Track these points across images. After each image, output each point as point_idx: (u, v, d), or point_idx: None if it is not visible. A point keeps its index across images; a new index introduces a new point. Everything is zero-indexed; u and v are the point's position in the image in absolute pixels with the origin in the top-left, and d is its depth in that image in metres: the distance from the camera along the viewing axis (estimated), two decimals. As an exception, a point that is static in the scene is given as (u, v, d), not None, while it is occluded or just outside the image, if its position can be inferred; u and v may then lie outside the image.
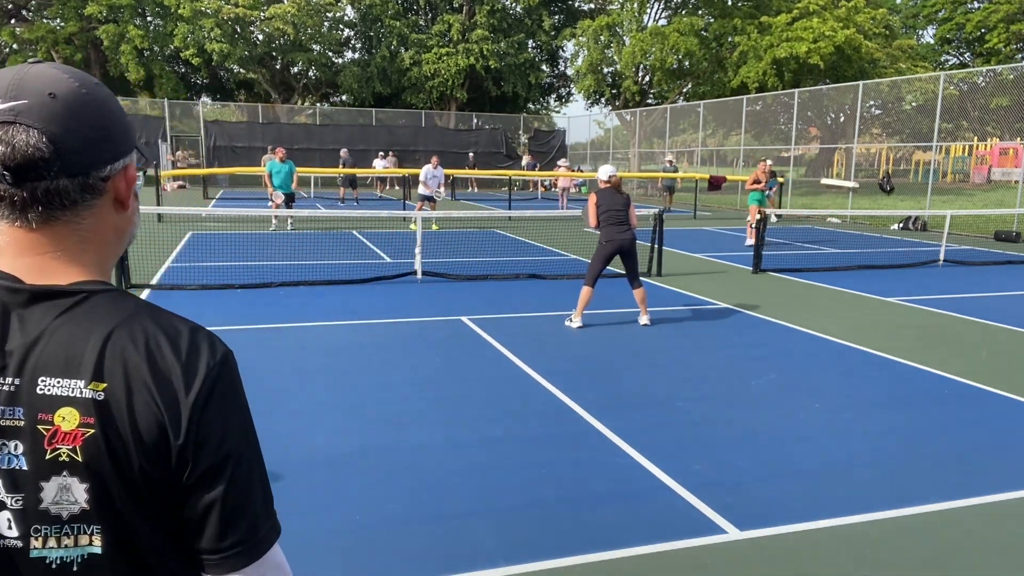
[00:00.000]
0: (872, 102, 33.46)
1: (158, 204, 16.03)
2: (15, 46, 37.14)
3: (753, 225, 11.10)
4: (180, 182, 29.27)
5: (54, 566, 0.88)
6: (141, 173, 30.49)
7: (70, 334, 0.87)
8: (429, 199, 15.71)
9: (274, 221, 15.95)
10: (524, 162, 32.43)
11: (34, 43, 36.04)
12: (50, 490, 0.86)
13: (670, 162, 24.97)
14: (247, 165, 28.74)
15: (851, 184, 19.18)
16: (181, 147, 32.92)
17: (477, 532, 3.36)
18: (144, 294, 8.54)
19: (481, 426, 4.65)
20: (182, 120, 36.66)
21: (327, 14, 37.67)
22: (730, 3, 33.27)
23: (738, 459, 4.22)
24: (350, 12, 39.03)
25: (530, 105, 43.40)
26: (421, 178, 15.99)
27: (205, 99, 42.30)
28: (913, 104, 31.66)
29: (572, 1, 41.71)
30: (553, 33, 39.26)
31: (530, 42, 40.22)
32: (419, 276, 9.90)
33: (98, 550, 0.88)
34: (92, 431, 0.85)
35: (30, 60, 0.92)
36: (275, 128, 32.62)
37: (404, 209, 20.26)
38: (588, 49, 35.57)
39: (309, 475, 3.90)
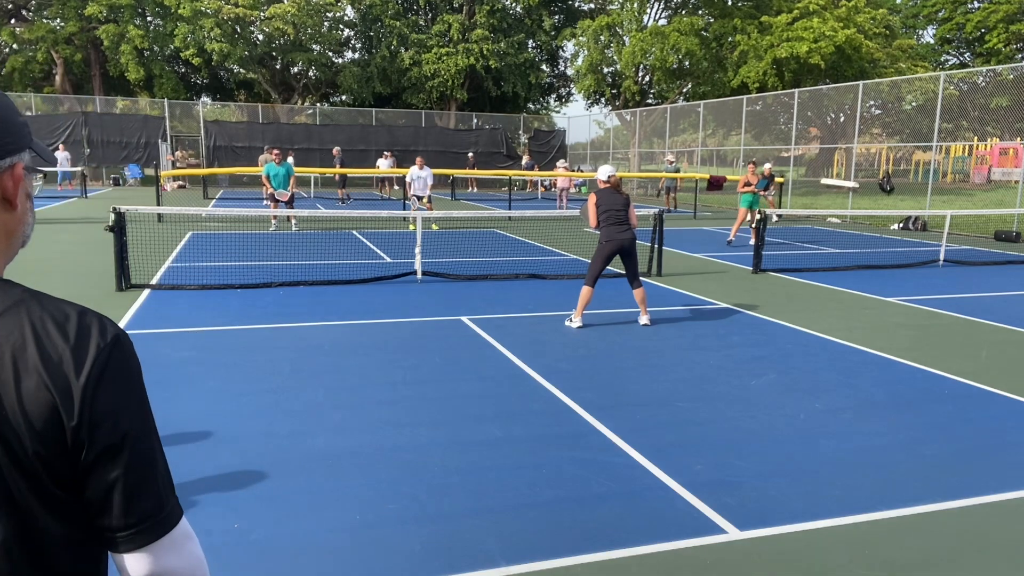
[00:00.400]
0: (872, 102, 33.47)
1: (158, 204, 16.03)
2: (15, 46, 37.14)
3: (753, 226, 11.09)
4: (180, 182, 29.27)
5: None
6: (141, 172, 30.48)
7: None
8: (421, 198, 15.77)
9: (273, 222, 15.92)
10: (523, 162, 32.44)
11: (34, 43, 36.05)
12: None
13: (670, 162, 24.72)
14: (247, 165, 28.74)
15: (851, 184, 19.19)
16: (180, 147, 32.93)
17: (477, 532, 3.36)
18: (144, 294, 8.54)
19: (481, 426, 4.65)
20: (182, 120, 36.67)
21: (327, 14, 37.66)
22: (730, 3, 33.27)
23: (738, 459, 4.22)
24: (350, 12, 39.03)
25: (530, 105, 43.40)
26: (407, 179, 16.06)
27: (205, 99, 42.30)
28: (913, 104, 31.66)
29: (572, 1, 41.70)
30: (553, 33, 39.26)
31: (530, 42, 40.22)
32: (419, 276, 9.90)
33: None
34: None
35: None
36: (275, 128, 32.62)
37: (404, 209, 20.27)
38: (588, 49, 35.57)
39: (309, 475, 3.90)
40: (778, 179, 20.44)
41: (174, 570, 0.94)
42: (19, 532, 0.87)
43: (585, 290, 7.38)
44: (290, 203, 15.11)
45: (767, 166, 17.02)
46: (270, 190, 15.01)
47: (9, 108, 0.94)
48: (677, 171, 23.96)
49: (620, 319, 7.84)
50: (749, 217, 14.40)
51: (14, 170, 0.94)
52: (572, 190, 34.98)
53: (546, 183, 30.82)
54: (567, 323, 7.49)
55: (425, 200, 15.72)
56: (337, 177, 23.77)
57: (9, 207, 0.95)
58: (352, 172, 24.35)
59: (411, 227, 16.41)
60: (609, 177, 7.55)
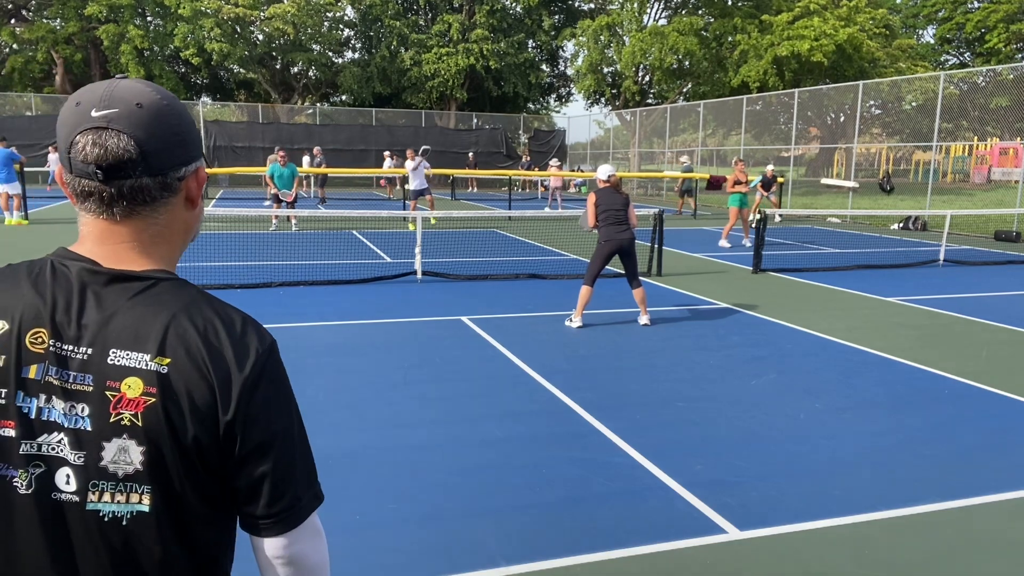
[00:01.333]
0: (872, 102, 33.47)
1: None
2: (15, 46, 37.15)
3: (753, 226, 11.10)
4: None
5: (106, 519, 0.97)
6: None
7: (140, 314, 0.98)
8: (422, 193, 15.76)
9: (274, 221, 15.91)
10: (522, 162, 32.45)
11: (34, 43, 36.05)
12: (110, 450, 0.96)
13: (682, 162, 24.08)
14: (247, 165, 28.75)
15: (851, 184, 19.19)
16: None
17: (477, 532, 3.36)
18: (144, 294, 8.53)
19: (481, 426, 4.65)
20: (182, 120, 36.64)
21: (327, 14, 37.66)
22: (730, 3, 33.27)
23: (738, 459, 4.22)
24: (350, 12, 39.03)
25: (530, 105, 43.41)
26: (409, 173, 16.08)
27: (205, 99, 42.29)
28: (913, 104, 31.67)
29: (572, 1, 41.70)
30: (553, 33, 39.26)
31: (530, 42, 40.22)
32: (419, 276, 9.90)
33: (146, 508, 0.97)
34: (153, 400, 0.96)
35: (117, 76, 1.04)
36: (275, 128, 32.62)
37: (404, 209, 20.27)
38: (588, 49, 35.57)
39: (309, 475, 3.90)
40: (779, 179, 20.45)
41: (303, 555, 1.07)
42: (168, 505, 0.98)
43: (584, 290, 7.38)
44: (293, 203, 15.11)
45: (769, 167, 16.96)
46: (274, 190, 14.97)
47: (188, 114, 1.07)
48: (690, 171, 23.24)
49: (620, 319, 7.84)
50: (741, 216, 14.33)
51: (198, 173, 1.08)
52: (572, 190, 35.05)
53: (546, 183, 30.80)
54: (567, 323, 7.49)
55: (428, 197, 15.74)
56: (316, 177, 23.63)
57: (191, 206, 1.09)
58: (347, 172, 24.32)
59: (411, 227, 16.41)
60: (609, 177, 7.53)
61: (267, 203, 15.67)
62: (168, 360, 0.96)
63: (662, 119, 32.57)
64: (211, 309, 1.02)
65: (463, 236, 15.04)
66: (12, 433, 0.96)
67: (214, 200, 23.94)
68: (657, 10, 36.23)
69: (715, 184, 21.49)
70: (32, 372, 0.96)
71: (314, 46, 38.35)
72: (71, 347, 0.96)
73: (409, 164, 15.93)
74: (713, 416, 4.92)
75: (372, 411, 4.88)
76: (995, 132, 33.32)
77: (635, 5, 34.34)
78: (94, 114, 0.97)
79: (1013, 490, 3.90)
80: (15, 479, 0.96)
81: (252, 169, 24.85)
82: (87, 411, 0.96)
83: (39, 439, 0.96)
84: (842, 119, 35.60)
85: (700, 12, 33.97)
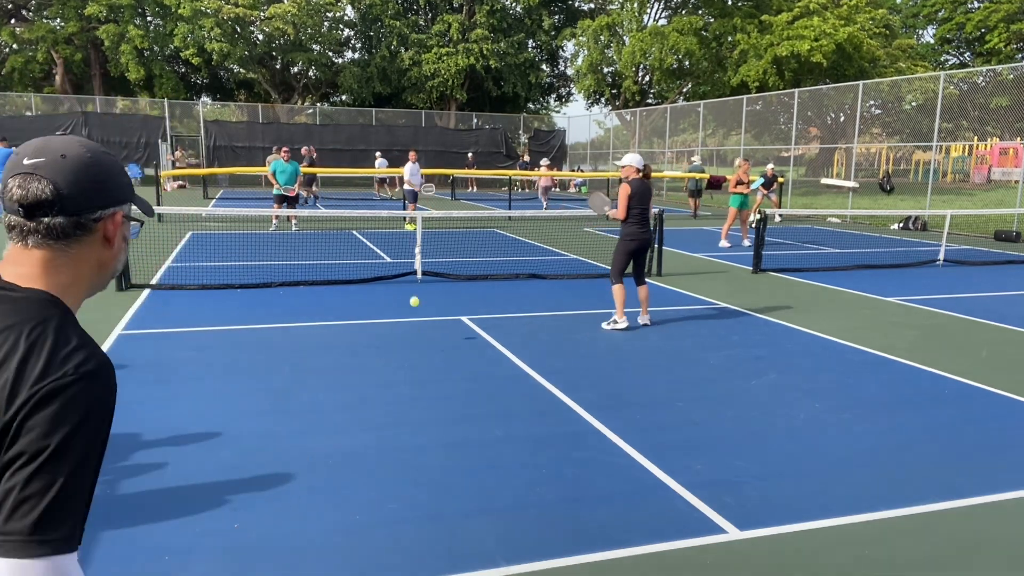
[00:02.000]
0: (872, 102, 33.46)
1: (158, 204, 16.03)
2: (15, 46, 37.15)
3: (753, 226, 11.10)
4: (180, 182, 29.27)
5: None
6: (141, 172, 30.55)
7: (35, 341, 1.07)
8: (415, 198, 15.74)
9: (275, 221, 15.89)
10: (519, 162, 32.46)
11: (34, 43, 36.06)
12: None
13: (692, 161, 23.05)
14: (247, 165, 28.74)
15: (851, 184, 19.19)
16: (180, 147, 32.93)
17: (477, 532, 3.36)
18: (144, 294, 8.54)
19: (481, 426, 4.65)
20: (182, 120, 36.68)
21: (327, 14, 37.66)
22: (730, 2, 33.27)
23: (738, 459, 4.22)
24: (350, 12, 39.04)
25: (530, 105, 43.40)
26: (405, 176, 16.09)
27: (205, 99, 42.30)
28: (913, 104, 31.66)
29: (572, 1, 41.70)
30: (553, 33, 39.26)
31: (530, 42, 40.22)
32: (419, 276, 9.90)
33: None
34: None
35: (57, 133, 1.21)
36: (275, 128, 32.61)
37: (404, 209, 20.26)
38: (588, 49, 35.57)
39: (309, 475, 3.90)
40: (779, 179, 20.44)
41: None
42: None
43: (617, 289, 7.20)
44: (293, 203, 15.08)
45: (769, 167, 16.92)
46: (276, 185, 14.93)
47: (115, 167, 1.22)
48: (701, 171, 22.11)
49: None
50: (740, 217, 14.31)
51: (115, 217, 1.22)
52: (572, 190, 35.01)
53: (555, 184, 30.79)
54: (606, 326, 7.29)
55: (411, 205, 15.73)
56: (303, 176, 23.33)
57: (108, 244, 1.22)
58: (339, 172, 24.27)
59: (408, 227, 16.40)
60: (645, 165, 7.11)
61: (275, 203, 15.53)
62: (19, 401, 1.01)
63: (662, 119, 32.57)
64: (55, 329, 1.09)
65: (463, 236, 15.04)
66: None
67: (214, 200, 23.94)
68: (657, 10, 36.23)
69: (715, 184, 21.48)
70: None
71: (314, 46, 38.35)
72: None
73: (409, 167, 15.93)
74: (713, 416, 4.92)
75: (372, 411, 4.88)
76: (995, 132, 33.31)
77: (635, 5, 34.35)
78: (25, 162, 1.14)
79: (1013, 490, 3.90)
80: None
81: (252, 169, 24.85)
82: None
83: None
84: (842, 119, 35.59)
85: (700, 12, 33.96)
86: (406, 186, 16.10)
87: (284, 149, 15.62)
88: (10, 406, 1.00)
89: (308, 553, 3.16)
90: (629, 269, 7.46)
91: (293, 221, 15.84)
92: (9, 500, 0.97)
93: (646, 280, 7.61)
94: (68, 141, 1.18)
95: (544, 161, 26.22)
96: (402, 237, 14.67)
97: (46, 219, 1.13)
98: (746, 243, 14.18)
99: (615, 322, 7.31)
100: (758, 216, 11.10)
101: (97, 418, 1.06)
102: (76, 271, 1.19)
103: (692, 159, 23.84)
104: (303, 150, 23.87)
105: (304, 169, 22.16)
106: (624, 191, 7.10)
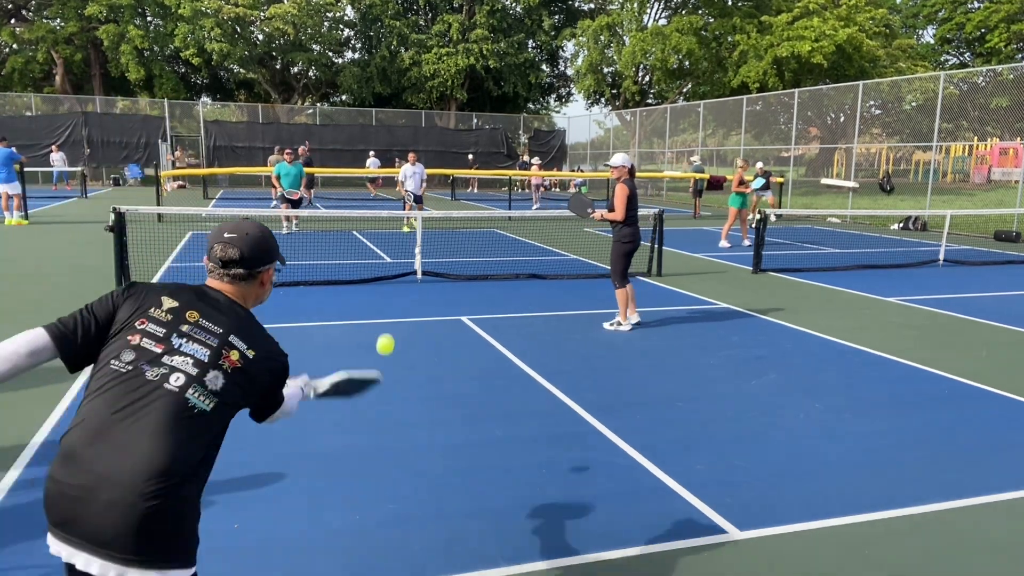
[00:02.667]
0: (872, 102, 33.45)
1: (158, 204, 16.04)
2: (15, 46, 37.15)
3: (753, 225, 11.10)
4: (180, 182, 29.27)
5: (188, 404, 1.76)
6: (141, 172, 30.53)
7: (248, 324, 2.00)
8: (417, 200, 15.51)
9: (285, 223, 15.63)
10: (518, 163, 32.48)
11: (34, 43, 36.06)
12: (211, 375, 1.83)
13: (691, 162, 22.96)
14: (247, 165, 28.75)
15: (851, 184, 19.19)
16: (180, 147, 32.94)
17: (477, 532, 3.36)
18: (144, 294, 8.53)
19: (481, 426, 4.65)
20: (182, 120, 36.69)
21: (327, 14, 37.67)
22: (730, 3, 33.26)
23: (738, 459, 4.22)
24: (350, 12, 39.04)
25: (530, 105, 43.40)
26: (399, 177, 15.94)
27: (205, 99, 42.30)
28: (913, 104, 31.65)
29: (572, 1, 41.70)
30: (553, 33, 39.25)
31: (530, 42, 40.22)
32: (419, 276, 9.90)
33: (208, 409, 1.80)
34: (240, 365, 1.89)
35: (243, 219, 2.09)
36: (275, 128, 32.61)
37: (404, 209, 20.24)
38: (588, 49, 35.57)
39: (309, 475, 3.90)
40: (778, 179, 20.44)
41: (276, 417, 2.20)
42: (217, 412, 1.83)
43: (620, 292, 7.20)
44: (297, 204, 14.90)
45: (759, 165, 16.89)
46: (280, 190, 14.69)
47: (272, 240, 2.10)
48: (702, 171, 22.03)
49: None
50: (740, 217, 14.30)
51: (269, 271, 2.12)
52: (572, 189, 34.96)
53: (546, 183, 30.84)
54: (608, 327, 7.27)
55: (413, 201, 15.44)
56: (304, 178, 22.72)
57: (262, 286, 2.11)
58: (333, 172, 24.22)
59: (405, 228, 16.36)
60: (633, 165, 7.10)
61: (274, 204, 15.27)
62: (254, 352, 1.94)
63: (662, 119, 32.57)
64: (260, 325, 2.07)
65: (463, 236, 15.04)
66: (159, 351, 1.81)
67: (214, 200, 23.94)
68: (657, 10, 36.23)
69: (716, 184, 21.48)
70: (184, 327, 1.87)
71: (314, 46, 38.35)
72: (210, 324, 1.90)
73: (408, 168, 15.77)
74: (713, 416, 4.92)
75: (372, 411, 4.88)
76: (995, 132, 33.31)
77: (635, 5, 34.34)
78: (225, 236, 2.01)
79: (1013, 490, 3.90)
80: (148, 371, 1.77)
81: (252, 169, 24.84)
82: (208, 353, 1.85)
83: (173, 358, 1.80)
84: (842, 119, 35.59)
85: (700, 12, 33.96)
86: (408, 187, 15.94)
87: (287, 151, 15.33)
88: (257, 350, 1.95)
89: (308, 553, 3.16)
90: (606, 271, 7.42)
91: (294, 222, 15.76)
92: (266, 410, 2.13)
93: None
94: (250, 225, 2.04)
95: (535, 160, 26.50)
96: (402, 237, 14.67)
97: (233, 270, 2.01)
98: (746, 243, 14.18)
99: (619, 323, 7.29)
100: (758, 216, 11.10)
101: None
102: (247, 298, 2.08)
103: (692, 159, 23.80)
104: (300, 149, 23.49)
105: (314, 170, 21.79)
106: (623, 192, 7.04)
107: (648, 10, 35.44)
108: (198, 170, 25.50)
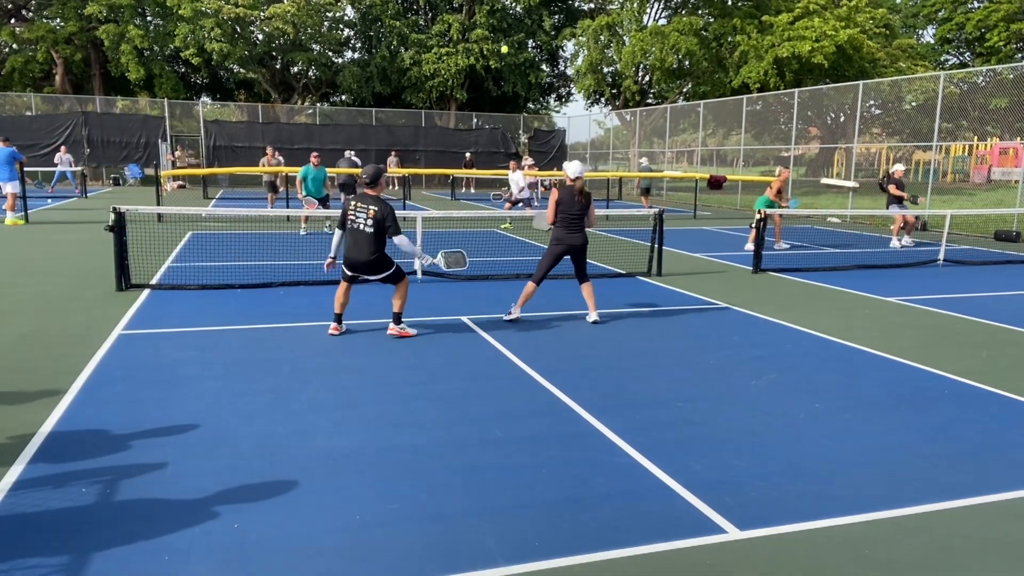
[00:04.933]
0: (872, 102, 33.46)
1: (158, 204, 16.04)
2: (15, 46, 37.14)
3: (753, 225, 11.08)
4: (180, 182, 29.27)
5: (365, 232, 6.52)
6: (141, 172, 30.55)
7: (374, 201, 6.61)
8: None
9: (303, 224, 15.47)
10: (525, 162, 32.50)
11: (34, 43, 36.06)
12: (366, 224, 6.52)
13: (640, 163, 25.67)
14: (247, 165, 28.74)
15: (851, 184, 19.18)
16: (180, 147, 32.93)
17: (477, 532, 3.36)
18: (144, 294, 8.55)
19: (481, 426, 4.66)
20: (182, 120, 36.67)
21: (327, 14, 37.66)
22: (730, 3, 33.26)
23: (738, 459, 4.22)
24: (350, 12, 39.03)
25: (530, 105, 43.40)
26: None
27: (205, 99, 42.29)
28: (913, 104, 31.65)
29: (572, 1, 41.69)
30: (553, 33, 39.24)
31: (530, 42, 40.21)
32: (419, 276, 9.90)
33: (370, 230, 6.50)
34: (373, 218, 6.50)
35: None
36: (275, 128, 32.61)
37: (404, 209, 20.23)
38: (588, 49, 35.55)
39: (309, 475, 3.90)
40: (771, 178, 20.42)
41: (402, 241, 6.59)
42: (376, 232, 6.51)
43: (530, 286, 7.56)
44: (325, 203, 14.51)
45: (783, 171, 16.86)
46: (302, 194, 14.27)
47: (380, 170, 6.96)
48: (649, 171, 24.59)
49: (619, 319, 7.84)
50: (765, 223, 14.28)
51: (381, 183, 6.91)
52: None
53: (546, 183, 30.82)
54: (504, 317, 7.64)
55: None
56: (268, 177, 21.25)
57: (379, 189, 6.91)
58: (329, 172, 24.06)
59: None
60: (576, 177, 7.32)
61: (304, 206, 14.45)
62: (376, 209, 6.48)
63: (662, 119, 32.57)
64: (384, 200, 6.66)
65: (463, 236, 15.04)
66: (352, 216, 6.56)
67: (214, 200, 23.95)
68: (657, 10, 36.23)
69: (715, 184, 21.49)
70: (353, 210, 6.59)
71: (314, 46, 38.34)
72: (364, 205, 6.53)
73: (393, 161, 15.68)
74: (713, 416, 4.92)
75: (372, 411, 4.88)
76: (995, 132, 33.31)
77: (635, 5, 34.32)
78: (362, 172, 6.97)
79: (1013, 490, 3.90)
80: (355, 223, 6.53)
81: (252, 169, 24.75)
82: (365, 217, 6.48)
83: (357, 220, 6.53)
84: (842, 119, 35.59)
85: (700, 12, 33.95)
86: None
87: (315, 154, 14.76)
88: (384, 219, 6.47)
89: (308, 553, 3.16)
90: (574, 270, 7.76)
91: (302, 224, 15.49)
92: (391, 231, 6.50)
93: (589, 278, 7.84)
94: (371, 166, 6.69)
95: (528, 160, 27.08)
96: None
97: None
98: (778, 246, 14.07)
99: (510, 313, 7.65)
100: (758, 216, 11.09)
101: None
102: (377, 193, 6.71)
103: (641, 161, 26.95)
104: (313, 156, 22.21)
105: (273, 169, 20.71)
106: (552, 197, 7.41)
107: (648, 10, 35.43)
108: (198, 170, 25.49)
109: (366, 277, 6.73)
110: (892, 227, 15.07)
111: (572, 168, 7.40)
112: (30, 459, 4.02)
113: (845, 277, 10.83)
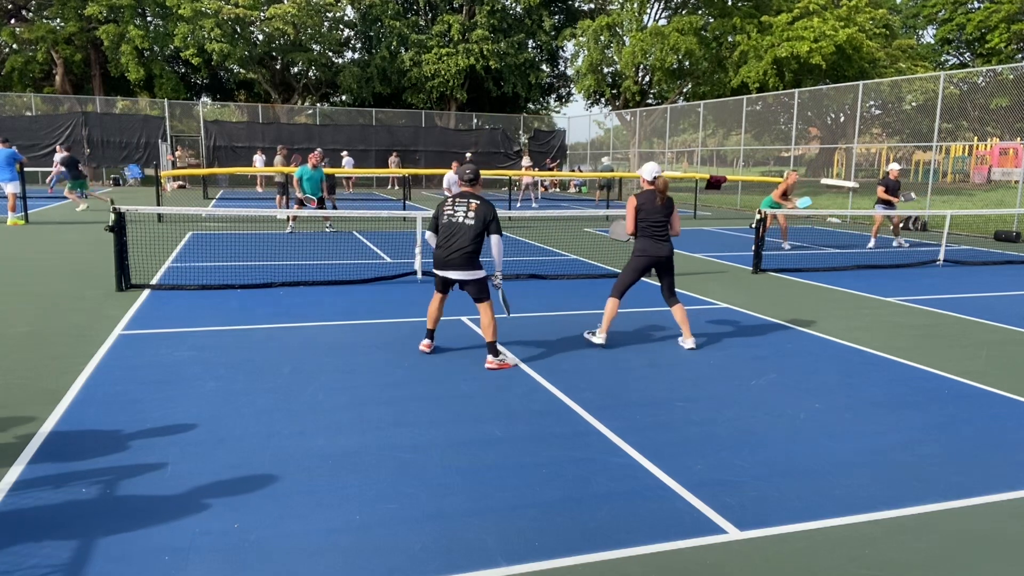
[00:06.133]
0: (872, 102, 33.46)
1: (158, 204, 16.04)
2: (15, 46, 37.15)
3: (752, 225, 11.07)
4: (180, 182, 29.27)
5: (467, 226, 5.98)
6: (141, 172, 30.55)
7: (476, 202, 6.06)
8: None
9: (290, 223, 15.50)
10: (523, 163, 32.51)
11: (34, 43, 36.07)
12: (468, 217, 6.00)
13: (602, 162, 30.24)
14: (247, 165, 28.75)
15: (851, 184, 19.18)
16: (180, 147, 32.92)
17: (477, 532, 3.36)
18: (144, 294, 8.55)
19: (481, 426, 4.66)
20: (182, 120, 36.68)
21: (327, 14, 37.67)
22: (730, 3, 33.26)
23: (738, 459, 4.22)
24: (350, 12, 39.04)
25: (530, 105, 43.39)
26: (444, 184, 16.00)
27: (205, 99, 42.31)
28: (913, 104, 31.65)
29: (572, 1, 41.70)
30: (553, 33, 39.25)
31: (530, 42, 40.22)
32: (419, 276, 9.90)
33: (471, 223, 5.97)
34: (476, 211, 5.99)
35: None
36: (275, 128, 32.61)
37: (404, 209, 20.26)
38: (588, 49, 35.56)
39: (309, 475, 3.90)
40: (778, 179, 20.44)
41: (498, 241, 5.99)
42: (476, 228, 5.97)
43: (611, 302, 6.60)
44: (321, 204, 14.51)
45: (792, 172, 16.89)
46: (300, 194, 14.26)
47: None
48: (610, 170, 27.32)
49: (619, 319, 7.83)
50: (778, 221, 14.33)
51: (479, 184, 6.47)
52: (572, 190, 34.98)
53: (545, 183, 30.91)
54: (587, 336, 6.82)
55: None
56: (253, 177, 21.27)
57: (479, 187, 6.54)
58: (352, 173, 24.16)
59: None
60: (655, 178, 6.50)
61: (295, 205, 14.42)
62: (477, 204, 6.00)
63: (662, 119, 32.57)
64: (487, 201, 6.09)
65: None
66: (450, 212, 6.03)
67: (214, 200, 23.94)
68: (657, 10, 36.23)
69: (715, 184, 21.48)
70: (451, 206, 6.08)
71: (314, 46, 38.35)
72: (464, 200, 6.05)
73: (451, 175, 15.81)
74: (713, 416, 4.92)
75: (372, 411, 4.88)
76: (995, 132, 33.31)
77: (635, 5, 34.33)
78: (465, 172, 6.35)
79: (1013, 490, 3.90)
80: (453, 217, 5.99)
81: (252, 169, 24.82)
82: (466, 210, 5.99)
83: (457, 214, 5.99)
84: (842, 119, 35.60)
85: (700, 12, 33.95)
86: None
87: (314, 154, 14.74)
88: (488, 219, 5.97)
89: (308, 553, 3.16)
90: (660, 285, 6.77)
91: (291, 222, 15.55)
92: (491, 230, 6.00)
93: (679, 298, 6.83)
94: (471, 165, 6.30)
95: (525, 161, 27.71)
96: (402, 237, 14.66)
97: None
98: (785, 246, 14.12)
99: (593, 335, 6.77)
100: (759, 216, 11.09)
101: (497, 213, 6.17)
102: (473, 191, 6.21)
103: (603, 160, 30.88)
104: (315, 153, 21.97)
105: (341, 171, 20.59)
106: (630, 204, 6.56)
107: (648, 10, 35.43)
108: (198, 170, 25.50)
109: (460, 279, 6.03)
110: (872, 227, 15.12)
111: (648, 169, 6.56)
112: (30, 459, 4.02)
113: (845, 277, 10.83)
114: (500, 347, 6.30)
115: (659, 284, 6.74)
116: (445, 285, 6.20)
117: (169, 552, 3.13)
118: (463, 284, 6.10)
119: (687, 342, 6.61)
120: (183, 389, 5.23)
